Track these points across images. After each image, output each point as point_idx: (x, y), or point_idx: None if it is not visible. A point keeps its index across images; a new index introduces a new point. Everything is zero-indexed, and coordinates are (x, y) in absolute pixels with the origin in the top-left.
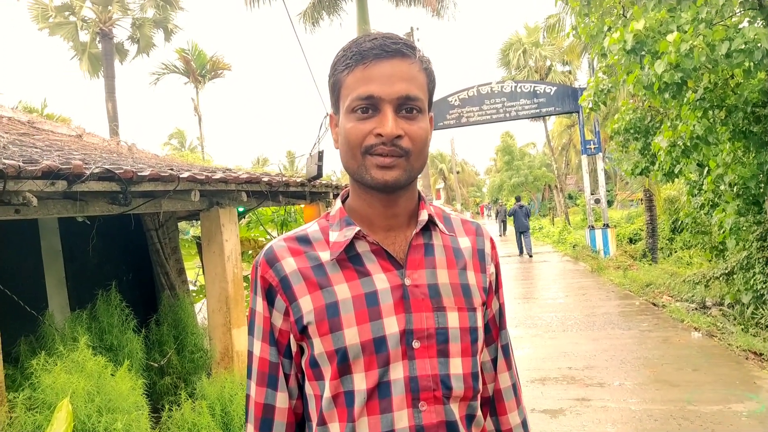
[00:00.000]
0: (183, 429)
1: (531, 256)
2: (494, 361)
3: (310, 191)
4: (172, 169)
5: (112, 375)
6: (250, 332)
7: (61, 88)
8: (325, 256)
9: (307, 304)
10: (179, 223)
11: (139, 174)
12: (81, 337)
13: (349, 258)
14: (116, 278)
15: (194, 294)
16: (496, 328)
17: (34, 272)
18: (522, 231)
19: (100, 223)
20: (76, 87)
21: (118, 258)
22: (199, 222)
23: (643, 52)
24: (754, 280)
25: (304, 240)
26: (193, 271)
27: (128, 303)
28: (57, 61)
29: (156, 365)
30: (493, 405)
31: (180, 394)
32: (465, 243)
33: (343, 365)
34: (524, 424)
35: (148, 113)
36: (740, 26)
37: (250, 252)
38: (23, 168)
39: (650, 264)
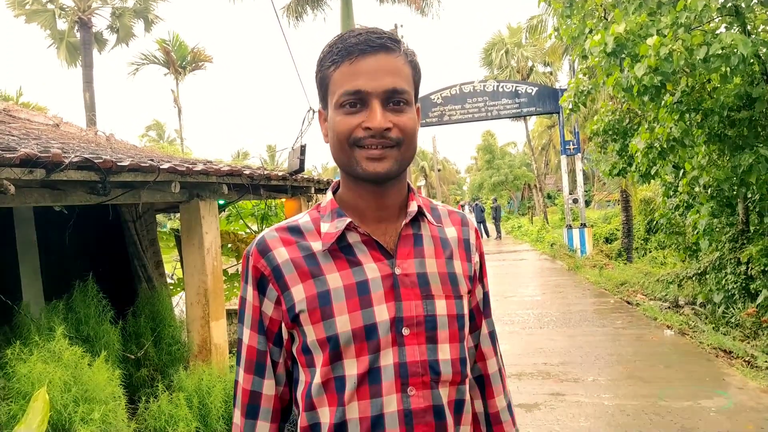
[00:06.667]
0: (160, 420)
1: (488, 237)
2: (476, 347)
3: (291, 185)
4: (152, 160)
5: (89, 365)
6: (240, 320)
7: (37, 76)
8: (317, 246)
9: (299, 292)
10: (157, 216)
11: (118, 164)
12: (57, 328)
13: (341, 248)
14: (93, 270)
15: (172, 287)
16: (480, 315)
17: (8, 263)
18: (480, 221)
19: (76, 214)
20: (53, 76)
21: (95, 249)
22: (177, 215)
23: (623, 55)
24: (726, 280)
25: (296, 230)
26: (170, 264)
27: (105, 294)
28: (33, 50)
29: (133, 357)
30: (482, 389)
31: (157, 386)
32: (451, 233)
33: (335, 352)
34: (509, 406)
35: (126, 104)
36: (718, 32)
37: (229, 245)
38: (1, 155)
39: (625, 263)
